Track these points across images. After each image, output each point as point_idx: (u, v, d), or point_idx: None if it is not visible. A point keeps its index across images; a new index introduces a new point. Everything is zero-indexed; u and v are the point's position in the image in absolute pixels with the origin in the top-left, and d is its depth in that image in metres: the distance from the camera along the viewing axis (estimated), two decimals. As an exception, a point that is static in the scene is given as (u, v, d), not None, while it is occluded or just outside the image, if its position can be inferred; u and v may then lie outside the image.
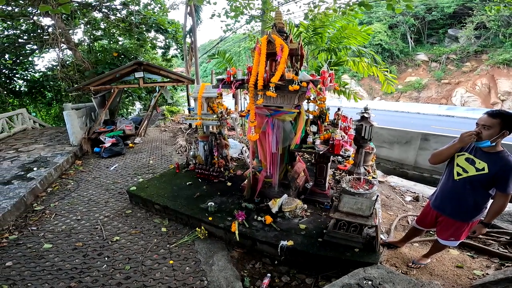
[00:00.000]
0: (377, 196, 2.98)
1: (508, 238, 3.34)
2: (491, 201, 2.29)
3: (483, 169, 2.14)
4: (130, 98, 11.98)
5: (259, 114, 3.39)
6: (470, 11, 22.29)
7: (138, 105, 14.60)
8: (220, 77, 3.46)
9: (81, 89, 7.51)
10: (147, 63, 7.71)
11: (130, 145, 7.74)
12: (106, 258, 3.24)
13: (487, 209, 2.32)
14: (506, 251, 3.14)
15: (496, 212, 2.21)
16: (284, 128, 3.30)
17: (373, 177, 4.77)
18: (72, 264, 3.17)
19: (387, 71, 6.55)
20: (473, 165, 2.20)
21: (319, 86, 2.81)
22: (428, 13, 24.73)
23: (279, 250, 2.99)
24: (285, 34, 3.42)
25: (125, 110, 12.30)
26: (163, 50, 12.40)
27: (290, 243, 2.98)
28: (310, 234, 3.16)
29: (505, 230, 3.47)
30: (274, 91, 2.93)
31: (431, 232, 3.59)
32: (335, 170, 5.10)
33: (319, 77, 3.08)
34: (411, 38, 25.91)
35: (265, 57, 3.19)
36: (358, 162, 4.42)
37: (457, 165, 2.30)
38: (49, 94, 12.25)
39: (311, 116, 3.65)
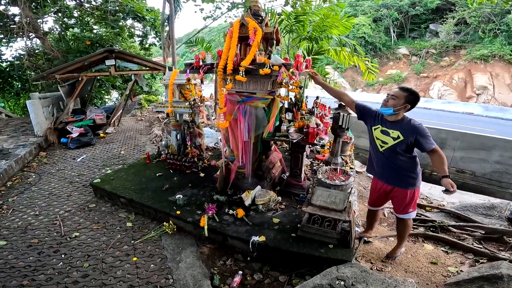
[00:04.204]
0: (351, 189, 2.84)
1: (483, 232, 3.30)
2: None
3: (398, 137, 2.36)
4: (105, 86, 11.37)
5: (230, 100, 3.16)
6: (452, 7, 22.68)
7: (115, 94, 13.97)
8: (188, 61, 3.20)
9: (45, 78, 6.98)
10: (119, 50, 7.26)
11: (101, 135, 7.32)
12: (62, 256, 3.00)
13: (420, 175, 2.52)
14: (481, 246, 3.09)
15: (442, 163, 2.30)
16: (257, 115, 3.09)
17: (350, 168, 4.68)
18: (26, 262, 2.93)
19: (368, 61, 6.44)
20: (388, 136, 2.41)
21: (291, 70, 2.61)
22: (412, 7, 25.00)
23: (250, 246, 2.82)
24: (260, 18, 3.19)
25: (99, 100, 11.68)
26: (140, 39, 11.84)
27: (262, 238, 2.80)
28: (283, 228, 3.00)
29: (479, 225, 3.44)
30: (244, 76, 2.70)
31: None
32: (313, 160, 4.97)
33: (293, 61, 2.87)
34: (394, 32, 26.20)
35: (236, 41, 2.96)
36: (335, 152, 4.28)
37: (376, 138, 2.50)
38: (17, 83, 11.53)
39: (286, 103, 3.45)
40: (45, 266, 2.86)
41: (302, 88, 4.52)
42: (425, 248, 3.11)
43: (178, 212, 3.31)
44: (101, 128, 7.64)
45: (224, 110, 3.02)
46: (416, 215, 3.90)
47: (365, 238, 3.15)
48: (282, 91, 3.66)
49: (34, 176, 5.12)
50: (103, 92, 12.07)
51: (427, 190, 5.24)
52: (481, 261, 2.85)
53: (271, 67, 2.66)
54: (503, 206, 4.05)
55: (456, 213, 3.93)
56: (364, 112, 2.64)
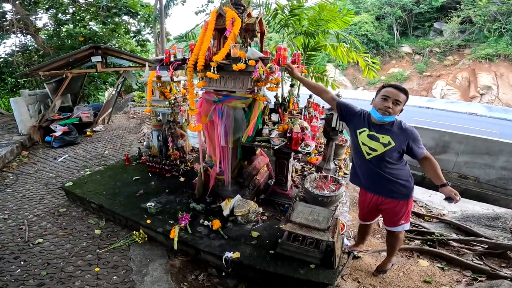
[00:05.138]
0: (337, 206, 2.53)
1: (485, 247, 2.97)
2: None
3: (389, 143, 2.06)
4: (96, 83, 11.11)
5: (207, 99, 2.84)
6: (457, 5, 22.15)
7: (112, 91, 13.73)
8: (158, 57, 2.87)
9: (29, 75, 6.74)
10: (106, 46, 6.97)
11: (88, 133, 7.03)
12: (22, 262, 2.83)
13: (412, 183, 2.23)
14: (481, 262, 2.77)
15: (437, 170, 2.05)
16: (235, 116, 2.76)
17: (344, 174, 4.35)
18: (-15, 268, 2.78)
19: (367, 57, 6.08)
20: (377, 141, 2.09)
21: (269, 64, 2.27)
22: (416, 5, 24.46)
23: (224, 262, 2.52)
24: (241, 8, 2.85)
25: (93, 97, 11.44)
26: (133, 35, 11.62)
27: (236, 255, 2.49)
28: (262, 244, 2.68)
29: (482, 239, 3.10)
30: (215, 72, 2.38)
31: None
32: (305, 164, 4.64)
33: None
34: (397, 30, 25.66)
35: (211, 33, 2.64)
36: (327, 156, 3.95)
37: (362, 143, 2.16)
38: (11, 80, 11.39)
39: (272, 103, 3.11)
40: (3, 273, 2.71)
41: (294, 86, 4.20)
42: (419, 265, 2.81)
43: (148, 221, 3.02)
44: (90, 126, 7.36)
45: (196, 111, 2.69)
46: (414, 226, 3.59)
47: (355, 253, 2.84)
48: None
49: (11, 177, 4.88)
50: (100, 88, 11.85)
51: (426, 198, 4.89)
52: (479, 279, 2.55)
53: (246, 61, 2.33)
54: (508, 217, 3.73)
55: (457, 224, 3.59)
56: (347, 112, 2.29)
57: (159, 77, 2.79)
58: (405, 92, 2.03)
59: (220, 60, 2.39)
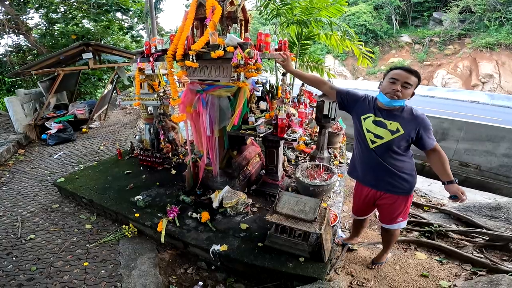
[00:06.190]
0: (323, 196, 2.45)
1: (486, 239, 2.86)
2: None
3: (397, 130, 1.88)
4: (92, 80, 11.07)
5: (191, 89, 2.77)
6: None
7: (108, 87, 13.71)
8: (139, 49, 2.81)
9: (20, 74, 6.70)
10: (96, 43, 6.91)
11: (84, 130, 7.01)
12: (14, 258, 2.88)
13: (416, 177, 2.06)
14: (481, 255, 2.65)
15: (445, 165, 1.89)
16: (220, 105, 2.69)
17: (340, 162, 4.28)
18: (-22, 264, 2.78)
19: (361, 45, 5.97)
20: (385, 128, 1.91)
21: (247, 50, 2.19)
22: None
23: (211, 255, 2.48)
24: (224, -4, 2.76)
25: (90, 94, 11.41)
26: (126, 31, 11.55)
27: (224, 248, 2.45)
28: (250, 236, 2.63)
29: (483, 231, 2.98)
30: (194, 61, 2.30)
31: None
32: (299, 154, 4.56)
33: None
34: (396, 20, 25.31)
35: (191, 22, 2.57)
36: (321, 144, 3.87)
37: (367, 130, 1.97)
38: (8, 80, 11.41)
39: (259, 90, 3.03)
40: (-5, 268, 2.72)
41: (286, 75, 4.11)
42: (416, 257, 2.71)
43: (136, 215, 2.99)
44: (85, 123, 7.35)
45: (178, 101, 2.62)
46: (412, 217, 3.48)
47: (349, 245, 2.78)
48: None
49: (7, 175, 4.90)
50: (97, 85, 11.82)
51: (426, 187, 4.78)
52: (479, 273, 2.44)
53: (225, 48, 2.26)
54: (510, 207, 3.56)
55: (457, 215, 3.44)
56: (349, 99, 2.09)
57: (141, 70, 2.73)
58: (416, 74, 1.84)
59: (199, 48, 2.31)
